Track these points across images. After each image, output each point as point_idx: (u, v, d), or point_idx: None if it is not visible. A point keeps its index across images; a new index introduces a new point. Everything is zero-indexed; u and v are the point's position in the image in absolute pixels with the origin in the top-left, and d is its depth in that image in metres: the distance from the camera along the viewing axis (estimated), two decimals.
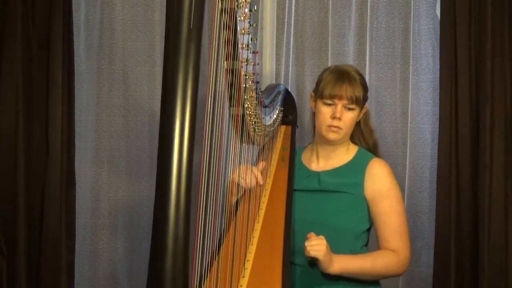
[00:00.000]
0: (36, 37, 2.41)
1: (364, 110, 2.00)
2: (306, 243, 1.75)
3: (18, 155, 2.37)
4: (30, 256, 2.41)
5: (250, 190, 1.87)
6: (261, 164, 1.93)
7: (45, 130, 2.44)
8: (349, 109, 1.92)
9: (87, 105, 2.66)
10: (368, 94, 2.03)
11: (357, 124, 2.02)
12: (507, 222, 2.33)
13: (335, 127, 1.92)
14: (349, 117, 1.92)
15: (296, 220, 1.86)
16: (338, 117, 1.90)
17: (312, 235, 1.77)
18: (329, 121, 1.92)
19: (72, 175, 2.49)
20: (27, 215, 2.40)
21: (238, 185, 1.88)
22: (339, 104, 1.91)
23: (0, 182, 2.38)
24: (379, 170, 1.95)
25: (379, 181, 1.93)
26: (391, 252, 1.87)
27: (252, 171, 1.89)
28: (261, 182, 1.88)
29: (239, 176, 1.86)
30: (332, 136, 1.93)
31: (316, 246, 1.74)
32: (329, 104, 1.92)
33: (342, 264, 1.80)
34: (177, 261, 0.96)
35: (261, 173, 1.92)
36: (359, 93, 1.91)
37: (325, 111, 1.93)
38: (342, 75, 1.94)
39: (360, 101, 1.93)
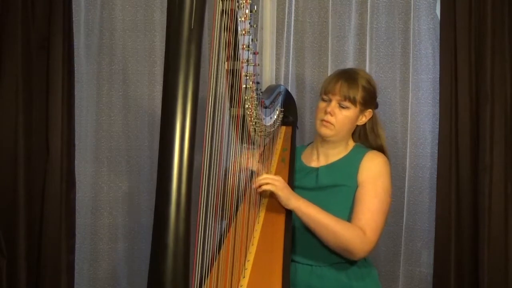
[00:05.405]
0: (36, 37, 2.41)
1: (368, 115, 1.99)
2: (256, 180, 1.83)
3: (18, 155, 2.37)
4: (30, 256, 2.41)
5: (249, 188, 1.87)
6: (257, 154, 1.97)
7: (45, 130, 2.44)
8: (343, 107, 1.93)
9: (87, 105, 2.66)
10: None
11: (363, 127, 2.02)
12: (507, 222, 2.33)
13: (326, 121, 1.94)
14: (342, 115, 1.93)
15: (296, 218, 1.86)
16: (329, 111, 1.92)
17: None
18: (322, 115, 1.95)
19: (72, 175, 2.49)
20: (27, 215, 2.40)
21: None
22: (333, 100, 1.93)
23: (0, 182, 2.39)
24: (374, 157, 1.96)
25: (372, 166, 1.93)
26: (358, 228, 1.81)
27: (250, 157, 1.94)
28: (254, 168, 1.93)
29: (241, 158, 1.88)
30: (323, 130, 1.96)
31: (268, 179, 1.81)
32: (325, 100, 1.96)
33: (302, 203, 1.82)
34: (178, 261, 0.96)
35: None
36: (354, 93, 1.91)
37: (321, 106, 1.97)
38: (342, 73, 1.98)
39: (355, 101, 1.92)
